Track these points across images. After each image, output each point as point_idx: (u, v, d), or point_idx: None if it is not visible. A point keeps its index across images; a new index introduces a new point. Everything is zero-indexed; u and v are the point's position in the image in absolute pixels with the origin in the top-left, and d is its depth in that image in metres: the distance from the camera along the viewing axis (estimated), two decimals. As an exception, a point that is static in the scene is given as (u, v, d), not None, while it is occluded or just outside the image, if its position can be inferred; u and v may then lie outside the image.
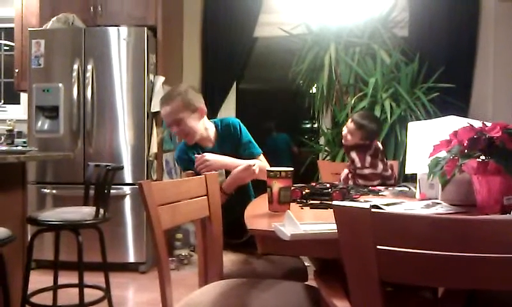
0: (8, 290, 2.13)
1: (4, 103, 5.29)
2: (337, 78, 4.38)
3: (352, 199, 1.97)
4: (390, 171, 2.75)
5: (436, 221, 0.97)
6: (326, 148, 4.50)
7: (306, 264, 2.25)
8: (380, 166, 2.69)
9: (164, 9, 4.33)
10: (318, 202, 1.87)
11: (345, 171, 2.78)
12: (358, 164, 2.67)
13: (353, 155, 2.71)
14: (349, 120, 2.83)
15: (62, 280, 3.08)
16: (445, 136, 1.61)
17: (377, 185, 2.57)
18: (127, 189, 4.11)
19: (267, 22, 4.83)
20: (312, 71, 4.50)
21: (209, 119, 2.56)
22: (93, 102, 4.11)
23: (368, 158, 2.68)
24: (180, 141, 2.59)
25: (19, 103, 5.26)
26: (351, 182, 2.68)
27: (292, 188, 1.82)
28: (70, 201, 3.50)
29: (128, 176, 4.11)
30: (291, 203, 1.73)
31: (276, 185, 1.66)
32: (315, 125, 4.83)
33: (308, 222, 1.37)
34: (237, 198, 2.30)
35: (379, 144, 2.81)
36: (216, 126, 2.53)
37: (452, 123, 1.76)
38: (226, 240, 2.28)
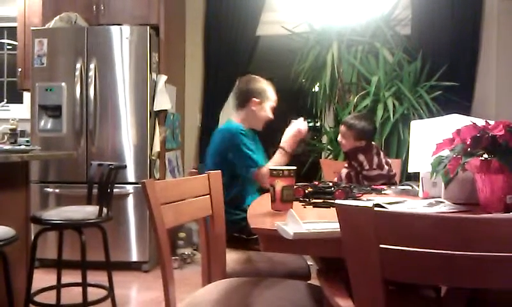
0: (11, 289, 2.14)
1: (7, 103, 5.30)
2: (340, 77, 4.38)
3: (355, 198, 1.97)
4: (394, 171, 2.76)
5: (439, 220, 0.97)
6: (329, 146, 4.50)
7: (309, 263, 2.25)
8: (386, 167, 2.69)
9: (166, 8, 4.34)
10: (321, 201, 1.87)
11: (344, 170, 2.77)
12: (367, 167, 2.66)
13: (361, 157, 2.69)
14: (340, 124, 2.86)
15: (65, 279, 3.08)
16: (448, 135, 1.61)
17: (381, 184, 2.57)
18: (129, 188, 4.11)
19: (270, 20, 4.83)
20: (314, 69, 4.50)
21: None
22: (96, 101, 4.11)
23: (375, 160, 2.68)
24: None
25: (22, 103, 5.28)
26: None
27: (295, 187, 1.82)
28: (73, 200, 3.51)
29: (131, 175, 4.11)
30: (294, 202, 1.73)
31: (279, 184, 1.66)
32: (318, 124, 4.83)
33: (311, 221, 1.37)
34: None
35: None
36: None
37: (455, 122, 1.75)
38: (237, 236, 2.28)
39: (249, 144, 2.45)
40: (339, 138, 2.85)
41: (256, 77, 2.69)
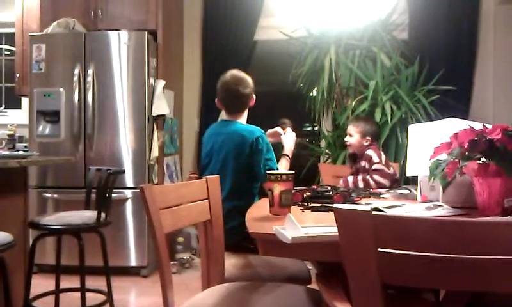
0: (9, 294, 2.13)
1: (5, 108, 5.30)
2: (337, 81, 4.39)
3: (353, 202, 1.98)
4: (397, 175, 2.81)
5: (437, 223, 0.97)
6: (327, 150, 4.50)
7: (309, 267, 2.24)
8: (392, 169, 2.75)
9: (164, 14, 4.34)
10: (319, 205, 1.87)
11: (351, 177, 2.79)
12: (377, 160, 2.71)
13: (370, 152, 2.77)
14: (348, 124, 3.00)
15: (64, 284, 3.08)
16: (446, 138, 1.62)
17: (387, 188, 2.58)
18: (128, 193, 4.11)
19: (267, 25, 4.84)
20: (312, 74, 4.51)
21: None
22: (94, 106, 4.11)
23: (383, 156, 2.75)
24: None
25: (20, 108, 5.27)
26: (361, 184, 2.69)
27: (293, 191, 1.82)
28: (72, 206, 3.50)
29: (129, 180, 4.11)
30: (292, 206, 1.74)
31: (277, 188, 1.67)
32: (316, 128, 4.84)
33: (309, 225, 1.37)
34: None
35: None
36: None
37: (452, 125, 1.76)
38: (240, 243, 2.26)
39: (271, 149, 2.49)
40: (346, 138, 2.95)
41: (241, 73, 2.71)
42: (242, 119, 2.64)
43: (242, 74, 2.69)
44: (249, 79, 2.68)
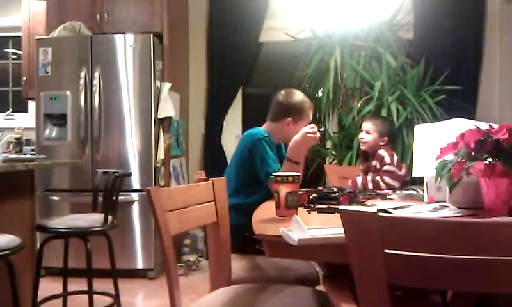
0: (17, 297, 2.14)
1: (12, 112, 5.33)
2: (343, 82, 4.38)
3: (360, 203, 1.97)
4: (408, 177, 2.78)
5: (444, 224, 0.96)
6: (333, 151, 4.50)
7: (316, 268, 2.24)
8: (403, 170, 2.73)
9: (169, 16, 4.36)
10: (325, 206, 1.87)
11: (360, 177, 2.78)
12: (388, 161, 2.70)
13: (382, 152, 2.75)
14: (363, 124, 2.95)
15: (71, 287, 3.09)
16: (452, 139, 1.61)
17: (397, 189, 2.57)
18: (135, 195, 4.12)
19: (272, 27, 4.85)
20: (317, 75, 4.51)
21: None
22: (101, 109, 4.13)
23: (395, 157, 2.74)
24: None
25: (27, 112, 5.30)
26: (370, 185, 2.68)
27: (299, 192, 1.82)
28: (79, 208, 3.52)
29: (136, 183, 4.12)
30: (298, 208, 1.74)
31: (283, 190, 1.67)
32: (322, 129, 4.83)
33: (316, 226, 1.37)
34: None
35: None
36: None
37: (458, 126, 1.75)
38: (245, 244, 2.26)
39: (270, 152, 2.42)
40: (362, 135, 2.92)
41: (298, 93, 2.62)
42: (271, 126, 2.59)
43: (298, 93, 2.62)
44: (296, 94, 2.60)
